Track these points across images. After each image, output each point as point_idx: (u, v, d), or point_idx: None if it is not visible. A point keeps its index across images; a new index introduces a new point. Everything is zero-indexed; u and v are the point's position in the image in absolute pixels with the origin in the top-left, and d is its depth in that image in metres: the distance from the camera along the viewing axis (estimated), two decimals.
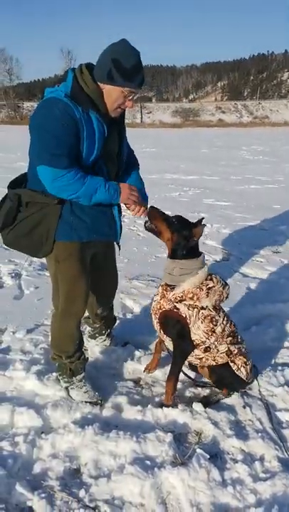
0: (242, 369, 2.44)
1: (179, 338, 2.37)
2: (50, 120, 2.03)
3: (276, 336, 3.28)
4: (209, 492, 1.91)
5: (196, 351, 2.40)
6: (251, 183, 10.51)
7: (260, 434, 2.24)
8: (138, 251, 5.26)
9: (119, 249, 2.64)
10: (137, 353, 2.98)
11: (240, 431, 2.30)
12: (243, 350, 2.49)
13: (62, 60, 64.96)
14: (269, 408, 2.45)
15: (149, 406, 2.42)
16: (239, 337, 2.52)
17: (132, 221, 6.68)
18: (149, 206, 2.38)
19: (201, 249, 2.42)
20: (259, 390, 2.60)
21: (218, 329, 2.36)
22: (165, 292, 2.38)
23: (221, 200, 8.36)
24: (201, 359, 2.45)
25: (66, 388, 2.53)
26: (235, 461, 2.11)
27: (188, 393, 2.61)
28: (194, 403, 2.43)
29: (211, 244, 5.57)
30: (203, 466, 2.00)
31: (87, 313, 2.83)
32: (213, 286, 2.33)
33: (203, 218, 2.38)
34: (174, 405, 2.44)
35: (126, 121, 2.43)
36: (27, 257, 4.91)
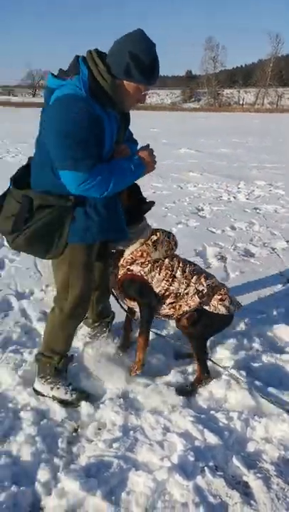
0: (220, 306, 2.45)
1: (141, 295, 2.44)
2: (71, 124, 1.91)
3: None
4: None
5: (168, 300, 2.45)
6: None
7: None
8: None
9: None
10: None
11: None
12: (214, 284, 2.49)
13: (269, 44, 62.25)
14: None
15: None
16: (205, 274, 2.52)
17: None
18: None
19: None
20: None
21: (178, 273, 2.44)
22: (117, 261, 2.47)
23: None
24: (174, 307, 2.46)
25: (51, 389, 2.39)
26: None
27: None
28: None
29: None
30: None
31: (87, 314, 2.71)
32: (158, 239, 2.42)
33: (153, 202, 2.47)
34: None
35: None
36: (232, 242, 5.00)
